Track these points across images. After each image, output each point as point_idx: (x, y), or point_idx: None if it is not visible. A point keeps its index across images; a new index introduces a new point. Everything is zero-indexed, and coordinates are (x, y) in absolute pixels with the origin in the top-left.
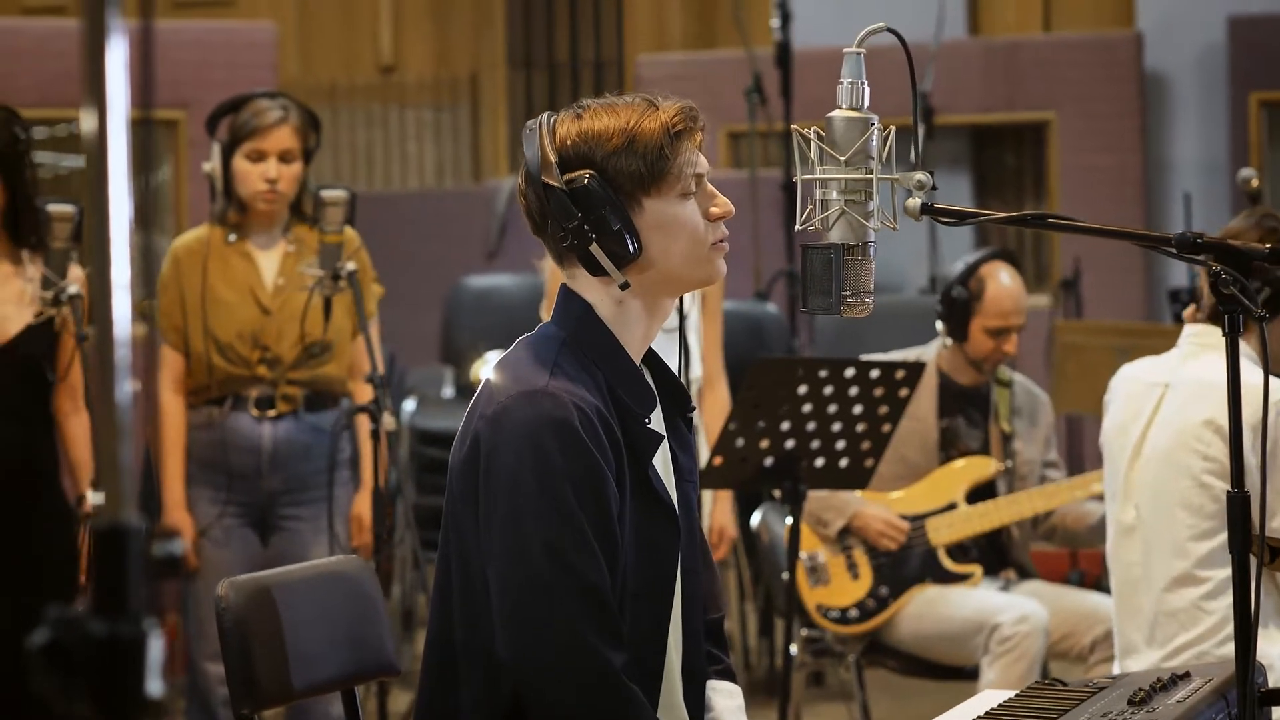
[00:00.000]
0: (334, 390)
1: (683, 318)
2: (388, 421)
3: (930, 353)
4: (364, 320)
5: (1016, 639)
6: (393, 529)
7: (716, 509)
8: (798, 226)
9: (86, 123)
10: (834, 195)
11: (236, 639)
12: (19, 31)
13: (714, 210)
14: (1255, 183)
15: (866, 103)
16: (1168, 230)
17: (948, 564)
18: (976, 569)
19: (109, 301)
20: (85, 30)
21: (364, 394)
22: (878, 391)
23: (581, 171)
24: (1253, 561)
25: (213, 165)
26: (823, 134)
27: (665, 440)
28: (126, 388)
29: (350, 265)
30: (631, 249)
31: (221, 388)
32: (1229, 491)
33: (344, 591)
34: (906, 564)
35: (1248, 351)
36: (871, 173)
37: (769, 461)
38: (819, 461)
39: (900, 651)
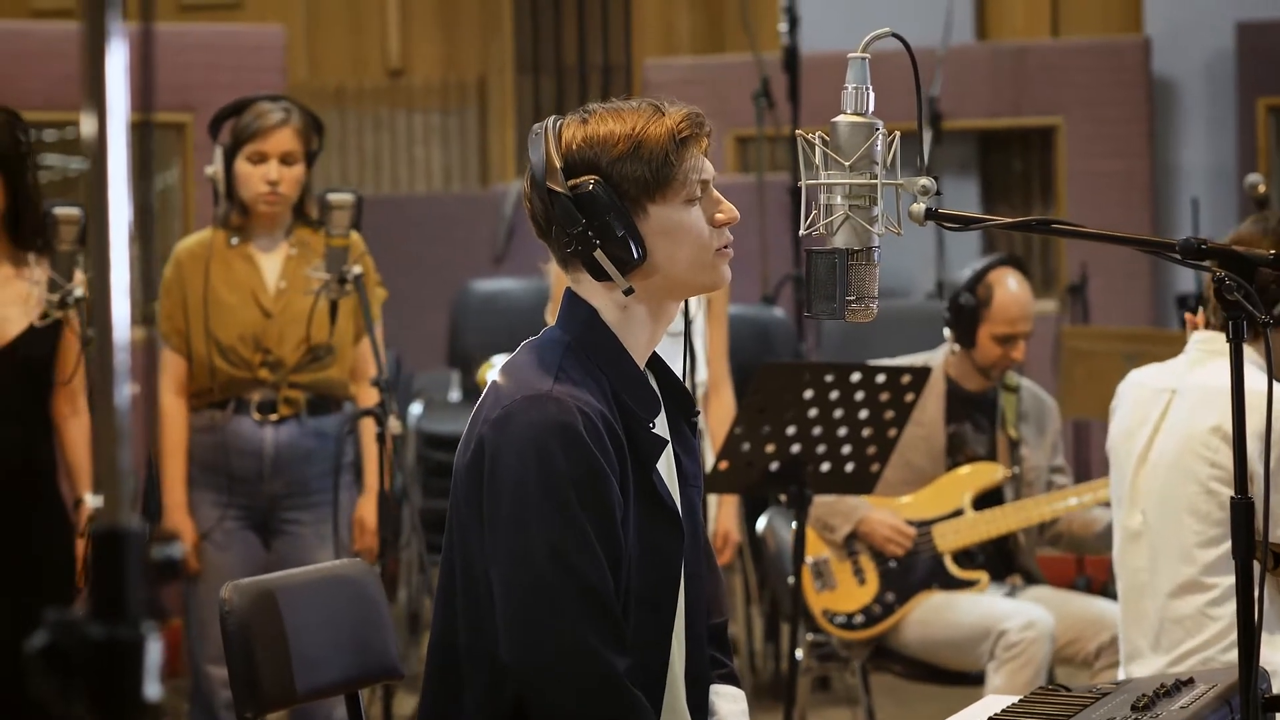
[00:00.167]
0: (336, 394)
1: (689, 322)
2: (393, 425)
3: (937, 358)
4: (370, 324)
5: (1023, 645)
6: (399, 532)
7: (722, 513)
8: (802, 231)
9: (86, 126)
10: (838, 200)
11: (240, 642)
12: (27, 34)
13: (719, 216)
14: (1262, 188)
15: (871, 108)
16: (1176, 236)
17: (954, 570)
18: (983, 575)
19: (108, 305)
20: (85, 33)
21: (367, 397)
22: (884, 396)
23: (587, 177)
24: (1256, 568)
25: (215, 168)
26: (827, 139)
27: (669, 445)
28: (126, 391)
29: (356, 269)
30: (636, 255)
31: (223, 391)
32: (1232, 498)
33: (347, 595)
34: (913, 570)
35: (1255, 358)
36: (876, 178)
37: (774, 466)
38: (825, 466)
39: (906, 657)
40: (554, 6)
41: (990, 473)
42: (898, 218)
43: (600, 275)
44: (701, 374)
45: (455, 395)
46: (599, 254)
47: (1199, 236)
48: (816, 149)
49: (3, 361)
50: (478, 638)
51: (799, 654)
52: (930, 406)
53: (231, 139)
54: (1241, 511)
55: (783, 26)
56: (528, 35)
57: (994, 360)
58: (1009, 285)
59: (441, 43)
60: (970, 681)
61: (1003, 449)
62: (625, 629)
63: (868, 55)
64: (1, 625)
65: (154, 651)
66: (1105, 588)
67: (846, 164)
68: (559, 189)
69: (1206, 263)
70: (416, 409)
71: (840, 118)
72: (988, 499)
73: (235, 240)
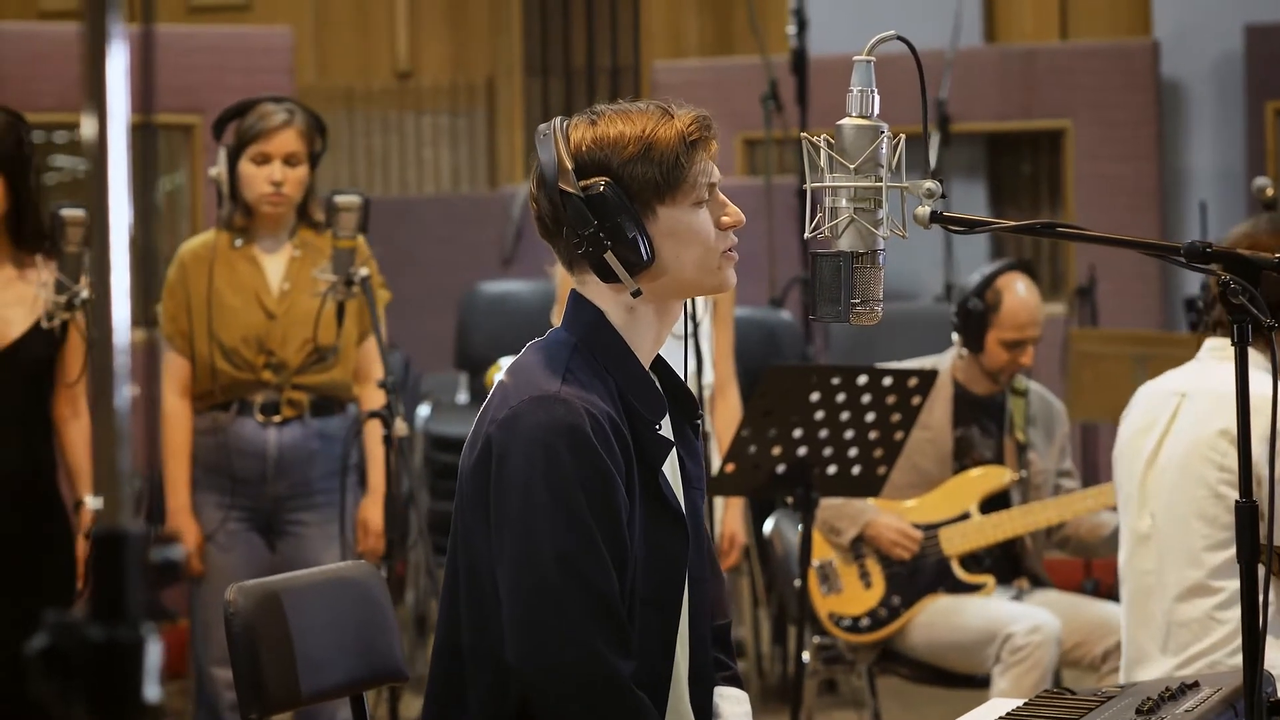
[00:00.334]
0: (340, 395)
1: (695, 325)
2: (399, 427)
3: (945, 362)
4: (377, 326)
5: (1029, 649)
6: (406, 534)
7: (727, 515)
8: (807, 234)
9: (87, 128)
10: (843, 203)
11: (244, 644)
12: (37, 36)
13: (725, 219)
14: (1270, 191)
15: (876, 111)
16: (1184, 239)
17: (960, 574)
18: (989, 579)
19: (108, 307)
20: (86, 35)
21: (372, 399)
22: (890, 399)
23: (597, 178)
24: (1261, 571)
25: (219, 169)
26: (832, 142)
27: (674, 447)
28: (125, 393)
29: (363, 271)
30: (645, 256)
31: (226, 393)
32: (1237, 501)
33: (352, 597)
34: (919, 574)
35: (1263, 362)
36: (881, 181)
37: (781, 468)
38: (831, 469)
39: (912, 660)
40: (563, 9)
41: (997, 476)
42: (903, 221)
43: (608, 277)
44: (708, 376)
45: (463, 397)
46: (609, 255)
47: (1204, 240)
48: (822, 152)
49: (4, 363)
50: (483, 639)
51: (805, 657)
52: (937, 410)
53: (235, 140)
54: (1246, 515)
55: (791, 29)
56: (536, 37)
57: (1002, 365)
58: (1018, 290)
59: (450, 44)
60: (976, 685)
61: (1010, 453)
62: (630, 632)
63: (873, 58)
64: (3, 628)
65: (154, 653)
66: (1113, 591)
67: (851, 167)
68: (571, 189)
69: (1211, 266)
70: (424, 411)
71: (845, 121)
72: (995, 503)
73: (239, 242)
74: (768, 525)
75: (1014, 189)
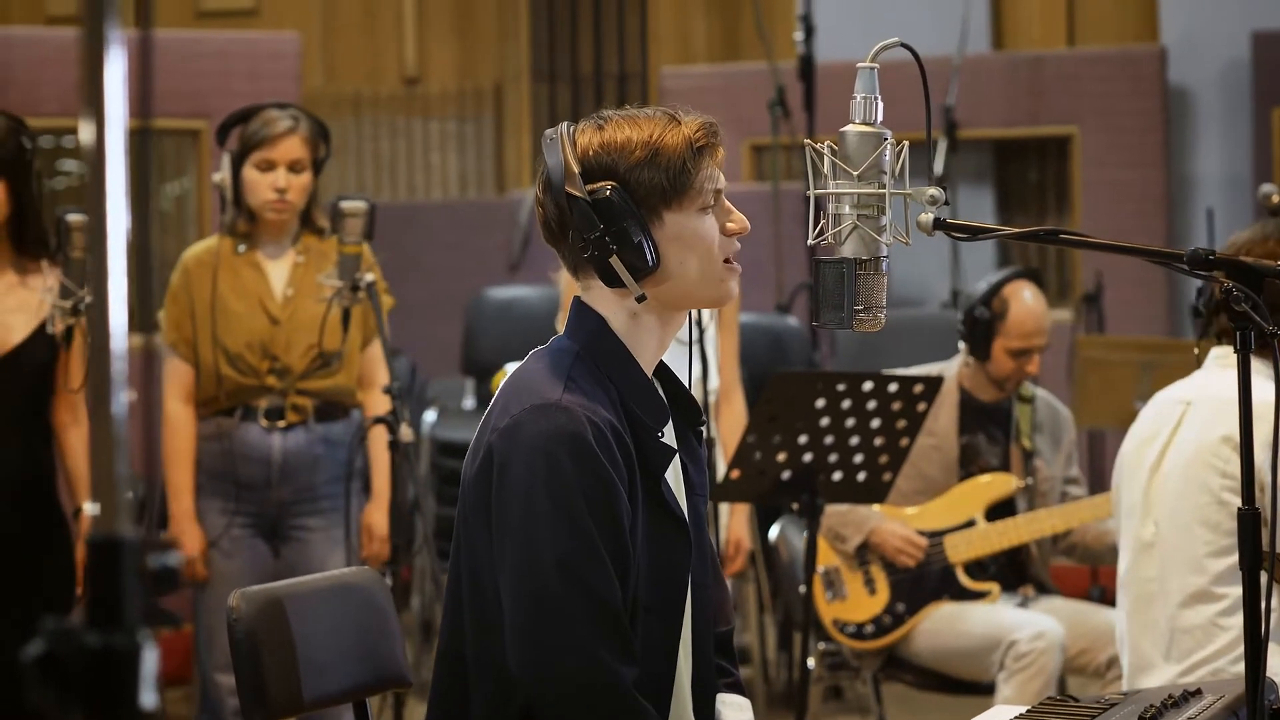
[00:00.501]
0: (344, 401)
1: (701, 331)
2: (404, 432)
3: (951, 369)
4: (383, 331)
5: (1033, 655)
6: (412, 540)
7: (733, 521)
8: (810, 241)
9: (85, 134)
10: (846, 210)
11: (247, 650)
12: (43, 40)
13: (731, 226)
14: (1276, 198)
15: (880, 117)
16: (1191, 245)
17: (965, 581)
18: (994, 586)
19: (106, 312)
20: (84, 40)
21: (376, 404)
22: (895, 406)
23: (604, 183)
24: (1264, 578)
25: (223, 175)
26: (836, 148)
27: (677, 454)
28: (123, 399)
29: (369, 276)
30: (651, 261)
31: (230, 398)
32: (1239, 509)
33: (355, 603)
34: (924, 581)
35: (1265, 369)
36: (884, 187)
37: (786, 475)
38: (836, 475)
39: (917, 666)
40: (570, 14)
41: (1003, 484)
42: (906, 227)
43: (613, 282)
44: (713, 381)
45: (469, 403)
46: (614, 260)
47: (1207, 247)
48: (825, 158)
49: (5, 369)
50: (485, 646)
51: (810, 663)
52: (943, 417)
53: (239, 146)
54: (1248, 522)
55: (798, 35)
56: (544, 43)
57: (1008, 373)
58: (1024, 299)
59: (458, 50)
60: (981, 691)
61: (1016, 460)
62: (633, 639)
63: (876, 65)
64: (3, 632)
65: (150, 660)
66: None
67: (855, 173)
68: (577, 194)
69: (1214, 273)
70: (430, 416)
71: (849, 127)
72: (1000, 510)
73: (242, 248)
74: (773, 531)
75: (1021, 195)
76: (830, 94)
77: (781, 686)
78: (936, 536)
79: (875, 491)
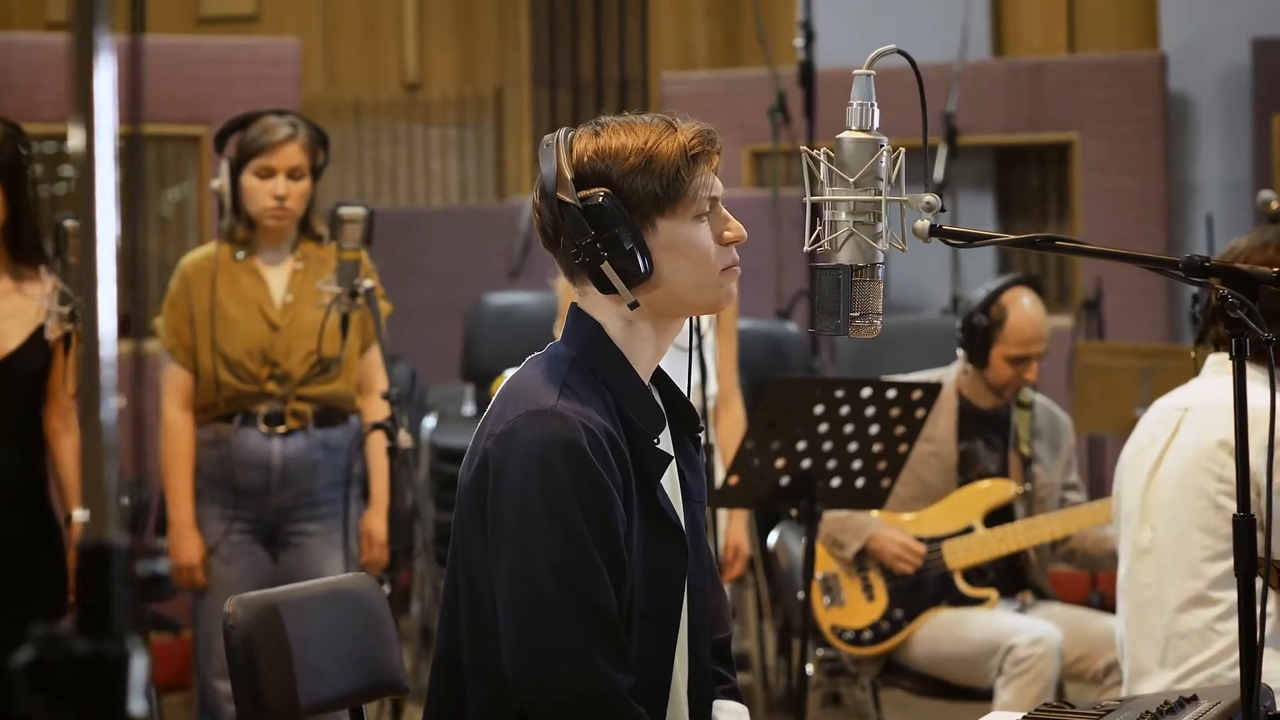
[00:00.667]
0: (343, 406)
1: (700, 338)
2: (403, 438)
3: (950, 375)
4: (381, 337)
5: (1031, 660)
6: (411, 546)
7: (731, 527)
8: (806, 248)
9: (74, 140)
10: (843, 217)
11: (243, 656)
12: (43, 46)
13: (727, 234)
14: (1275, 205)
15: (876, 124)
16: (1191, 251)
17: (963, 587)
18: (992, 593)
19: (95, 319)
20: (74, 47)
21: (375, 410)
22: (894, 412)
23: (597, 189)
24: (1258, 584)
25: (221, 182)
26: (832, 155)
27: (673, 460)
28: (112, 406)
29: (367, 282)
30: (643, 268)
31: (229, 405)
32: (1234, 515)
33: (352, 609)
34: (922, 587)
35: (1263, 376)
36: (880, 194)
37: (785, 481)
38: (835, 481)
39: (916, 672)
40: (571, 20)
41: (1002, 490)
42: (902, 234)
43: (607, 288)
44: (711, 387)
45: (469, 409)
46: (606, 266)
47: (1203, 254)
48: (821, 165)
49: (1, 375)
50: (481, 652)
51: (809, 669)
52: (942, 423)
53: (238, 153)
54: (1243, 529)
55: (799, 41)
56: (545, 49)
57: (1006, 380)
58: (1023, 306)
59: (458, 56)
60: (979, 697)
61: (1015, 466)
62: (628, 646)
63: (872, 72)
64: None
65: (139, 667)
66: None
67: (851, 180)
68: (569, 200)
69: (1210, 280)
70: (430, 422)
71: (845, 134)
72: (999, 516)
73: (241, 254)
74: (772, 538)
75: (1022, 201)
76: (831, 100)
77: (780, 693)
78: (935, 543)
79: (874, 498)
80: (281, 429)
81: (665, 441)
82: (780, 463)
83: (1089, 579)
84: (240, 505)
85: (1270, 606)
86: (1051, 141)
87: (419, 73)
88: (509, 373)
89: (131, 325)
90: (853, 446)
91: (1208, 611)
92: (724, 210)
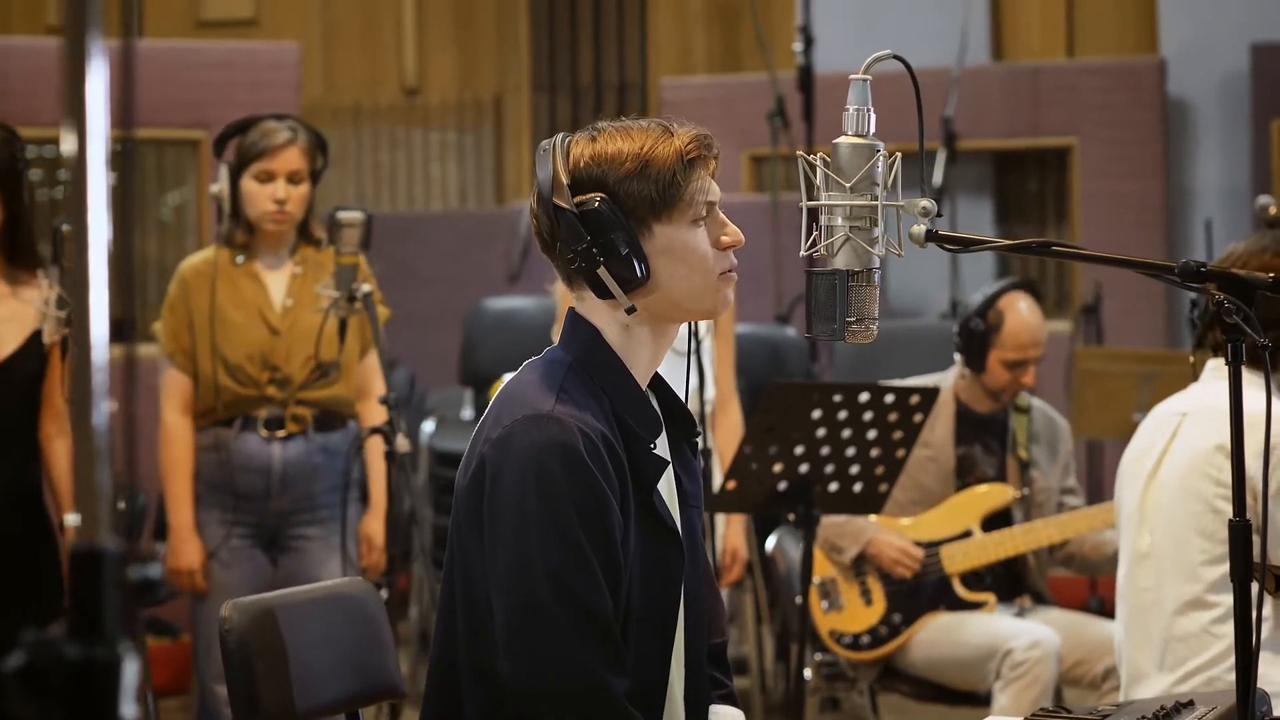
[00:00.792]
0: (342, 411)
1: (698, 342)
2: (401, 443)
3: (948, 380)
4: (379, 342)
5: (1029, 664)
6: (409, 550)
7: (729, 531)
8: (802, 252)
9: (67, 144)
10: (839, 221)
11: (240, 660)
12: (42, 50)
13: (724, 239)
14: (1273, 210)
15: (873, 129)
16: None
17: (962, 592)
18: (990, 597)
19: (87, 323)
20: (66, 51)
21: (373, 415)
22: (892, 416)
23: (593, 194)
24: (1255, 589)
25: (220, 186)
26: (829, 160)
27: (670, 465)
28: (104, 410)
29: (366, 286)
30: (639, 273)
31: (229, 409)
32: (1230, 520)
33: (348, 613)
34: (920, 591)
35: (1260, 381)
36: (876, 199)
37: (782, 485)
38: (833, 486)
39: (914, 676)
40: (570, 25)
41: (1000, 494)
42: (899, 239)
43: (603, 293)
44: (709, 392)
45: (468, 413)
46: (602, 271)
47: (1199, 259)
48: (818, 170)
49: None
50: (477, 657)
51: (807, 674)
52: (939, 428)
53: (237, 157)
54: (1239, 534)
55: (798, 46)
56: (544, 53)
57: (1003, 384)
58: (1020, 310)
59: (458, 60)
60: (977, 701)
61: (1013, 471)
62: (624, 650)
63: (869, 77)
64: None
65: (130, 672)
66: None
67: (847, 185)
68: (565, 205)
69: (1205, 285)
70: (429, 427)
71: (841, 139)
72: (997, 521)
73: (240, 258)
74: (770, 542)
75: (1020, 206)
76: (830, 105)
77: (778, 697)
78: (933, 547)
79: (871, 502)
80: (281, 433)
81: (662, 446)
82: (778, 467)
83: (1088, 583)
84: (240, 510)
85: (1266, 611)
86: (1050, 146)
87: (418, 77)
88: (507, 377)
89: (125, 330)
90: (850, 451)
91: (1205, 615)
92: (721, 215)
